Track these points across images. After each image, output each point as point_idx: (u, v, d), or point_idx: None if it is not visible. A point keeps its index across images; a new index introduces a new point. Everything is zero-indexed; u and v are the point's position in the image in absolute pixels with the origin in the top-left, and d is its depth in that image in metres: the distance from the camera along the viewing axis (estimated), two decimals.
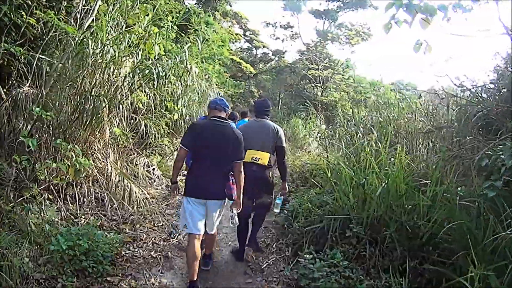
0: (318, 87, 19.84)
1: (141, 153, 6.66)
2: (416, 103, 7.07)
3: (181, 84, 8.57)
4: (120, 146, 6.06)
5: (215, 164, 3.44)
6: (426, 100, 7.10)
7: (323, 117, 13.23)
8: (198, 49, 9.19)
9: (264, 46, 27.50)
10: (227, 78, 15.91)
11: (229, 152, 3.44)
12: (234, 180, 3.52)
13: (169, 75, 8.27)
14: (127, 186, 4.78)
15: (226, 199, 3.59)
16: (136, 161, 6.43)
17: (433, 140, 5.58)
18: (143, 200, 5.00)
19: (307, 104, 16.04)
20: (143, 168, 6.45)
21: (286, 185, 4.57)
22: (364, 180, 4.22)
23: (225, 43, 16.09)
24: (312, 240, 4.27)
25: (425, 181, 3.95)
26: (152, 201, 5.61)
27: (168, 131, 8.15)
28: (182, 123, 8.82)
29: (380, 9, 23.65)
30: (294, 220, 4.78)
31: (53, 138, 4.39)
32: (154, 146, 7.65)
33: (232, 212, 3.62)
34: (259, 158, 4.08)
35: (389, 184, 3.96)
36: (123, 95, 5.43)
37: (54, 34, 4.88)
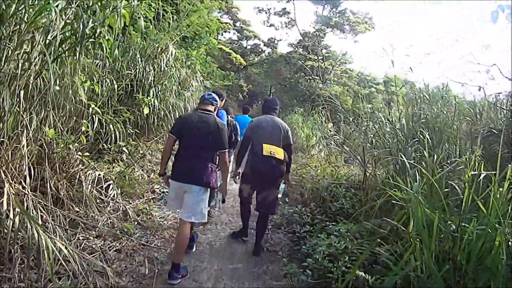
0: (317, 80, 17.82)
1: (89, 163, 4.58)
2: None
3: (154, 68, 6.52)
4: (56, 155, 4.00)
5: (197, 152, 3.54)
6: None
7: (325, 114, 11.16)
8: (173, 21, 7.13)
9: (255, 37, 25.44)
10: (214, 68, 13.79)
11: (211, 141, 3.54)
12: (213, 168, 3.59)
13: (135, 54, 6.33)
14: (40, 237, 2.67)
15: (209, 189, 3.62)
16: (80, 176, 4.36)
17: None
18: (65, 260, 2.88)
19: (305, 98, 14.25)
20: (90, 186, 4.40)
21: (289, 176, 4.60)
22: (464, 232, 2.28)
23: (212, 31, 14.03)
24: None
25: None
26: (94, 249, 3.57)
27: (134, 131, 6.09)
28: (155, 119, 6.77)
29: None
30: None
31: None
32: (115, 152, 5.61)
33: (217, 196, 3.94)
34: (275, 152, 4.07)
35: None
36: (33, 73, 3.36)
37: None
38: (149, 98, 6.32)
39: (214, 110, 3.78)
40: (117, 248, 3.80)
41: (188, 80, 8.42)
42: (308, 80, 17.92)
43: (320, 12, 20.11)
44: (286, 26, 20.72)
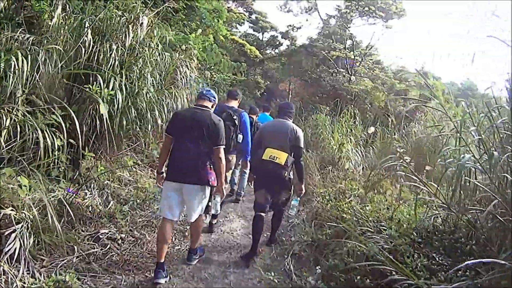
0: (343, 73, 15.38)
1: None
2: None
3: (115, 43, 4.48)
4: None
5: (193, 148, 3.39)
6: None
7: (356, 113, 8.64)
8: None
9: (272, 28, 23.10)
10: (222, 57, 11.60)
11: (207, 137, 3.40)
12: (211, 166, 3.47)
13: None
14: None
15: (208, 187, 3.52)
16: None
17: None
18: None
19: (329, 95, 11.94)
20: None
21: (303, 186, 4.31)
22: None
23: (220, 16, 11.93)
24: None
25: None
26: None
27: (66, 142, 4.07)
28: (122, 122, 4.73)
29: None
30: None
31: None
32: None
33: (215, 199, 3.76)
34: (276, 157, 3.98)
35: None
36: None
37: None
38: (107, 90, 4.23)
39: (212, 107, 3.68)
40: None
41: (181, 69, 6.31)
42: (334, 74, 15.46)
43: None
44: (306, 12, 18.20)
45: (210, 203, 3.87)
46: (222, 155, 3.46)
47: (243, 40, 20.11)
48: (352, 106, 10.71)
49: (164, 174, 3.54)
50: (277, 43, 24.39)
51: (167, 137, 3.52)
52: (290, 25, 20.51)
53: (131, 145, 5.86)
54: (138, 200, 4.63)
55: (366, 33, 44.29)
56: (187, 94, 6.46)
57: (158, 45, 5.24)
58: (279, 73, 19.54)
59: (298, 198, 4.43)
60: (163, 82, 5.63)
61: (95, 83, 4.25)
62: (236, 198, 6.07)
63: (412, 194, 5.23)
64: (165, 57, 5.52)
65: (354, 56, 15.20)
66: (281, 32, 23.03)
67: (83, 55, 4.10)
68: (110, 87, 4.31)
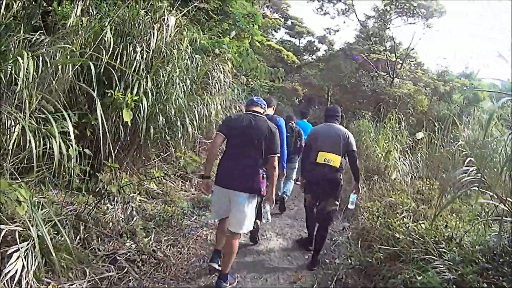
0: (384, 76, 14.52)
1: None
2: None
3: (140, 45, 4.15)
4: None
5: (246, 155, 3.28)
6: None
7: (401, 118, 7.82)
8: None
9: (309, 33, 22.56)
10: (259, 63, 11.18)
11: (262, 145, 3.28)
12: (264, 175, 3.35)
13: None
14: None
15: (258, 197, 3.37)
16: None
17: None
18: None
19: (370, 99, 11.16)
20: None
21: (359, 185, 4.38)
22: None
23: (256, 21, 11.54)
24: None
25: None
26: None
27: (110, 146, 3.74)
28: (150, 130, 4.38)
29: None
30: None
31: None
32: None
33: (265, 207, 3.62)
34: (330, 160, 3.97)
35: None
36: None
37: None
38: (131, 95, 3.89)
39: (263, 113, 3.55)
40: None
41: (214, 73, 5.95)
42: (374, 77, 14.62)
43: None
44: (343, 14, 17.40)
45: (261, 211, 3.78)
46: (276, 163, 3.36)
47: (279, 46, 19.68)
48: (396, 110, 9.95)
49: (211, 180, 3.47)
50: (314, 48, 23.83)
51: (219, 137, 3.34)
52: (327, 29, 19.82)
53: (161, 155, 5.55)
54: (165, 216, 4.23)
55: (405, 34, 42.97)
56: (221, 100, 6.09)
57: (188, 48, 4.87)
58: (317, 79, 18.84)
59: (355, 195, 4.37)
60: (194, 87, 5.26)
61: (118, 87, 3.94)
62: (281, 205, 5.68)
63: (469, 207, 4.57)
64: (196, 60, 5.14)
65: (396, 58, 14.31)
66: (318, 37, 22.45)
67: (103, 58, 3.78)
68: (135, 92, 3.98)
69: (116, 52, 3.91)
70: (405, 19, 15.00)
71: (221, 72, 5.91)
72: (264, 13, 19.24)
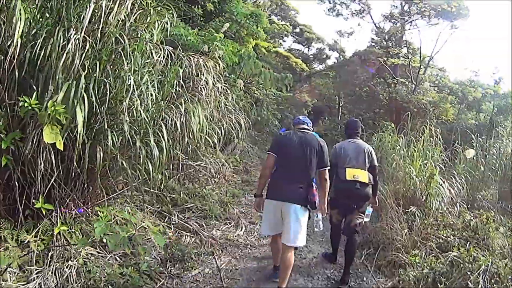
0: (405, 83, 13.02)
1: None
2: None
3: (76, 29, 2.79)
4: None
5: (298, 169, 3.34)
6: None
7: (437, 132, 6.24)
8: None
9: (318, 39, 21.25)
10: (262, 67, 9.77)
11: (312, 159, 3.36)
12: (316, 187, 3.39)
13: None
14: None
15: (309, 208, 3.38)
16: None
17: None
18: None
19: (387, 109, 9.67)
20: None
21: (376, 199, 4.28)
22: None
23: (261, 19, 10.27)
24: None
25: None
26: None
27: None
28: (97, 155, 3.01)
29: None
30: None
31: None
32: None
33: (317, 217, 3.64)
34: (359, 176, 3.95)
35: None
36: None
37: None
38: (55, 102, 2.51)
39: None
40: None
41: (199, 73, 4.60)
42: (393, 84, 13.11)
43: None
44: (357, 15, 15.95)
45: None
46: (327, 176, 3.47)
47: (287, 53, 18.38)
48: (422, 121, 8.44)
49: (263, 197, 3.50)
50: (324, 56, 22.56)
51: (271, 158, 3.44)
52: (339, 31, 18.32)
53: (135, 181, 4.12)
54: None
55: (427, 36, 41.35)
56: (209, 110, 4.72)
57: (152, 36, 3.48)
58: (328, 89, 17.49)
59: (371, 209, 4.30)
60: (164, 93, 3.85)
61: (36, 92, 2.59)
62: None
63: None
64: (166, 53, 3.74)
65: (421, 63, 12.83)
66: (329, 44, 21.14)
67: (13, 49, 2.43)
68: (59, 98, 2.59)
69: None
70: (427, 19, 13.48)
71: (208, 73, 4.53)
72: (270, 19, 18.04)
